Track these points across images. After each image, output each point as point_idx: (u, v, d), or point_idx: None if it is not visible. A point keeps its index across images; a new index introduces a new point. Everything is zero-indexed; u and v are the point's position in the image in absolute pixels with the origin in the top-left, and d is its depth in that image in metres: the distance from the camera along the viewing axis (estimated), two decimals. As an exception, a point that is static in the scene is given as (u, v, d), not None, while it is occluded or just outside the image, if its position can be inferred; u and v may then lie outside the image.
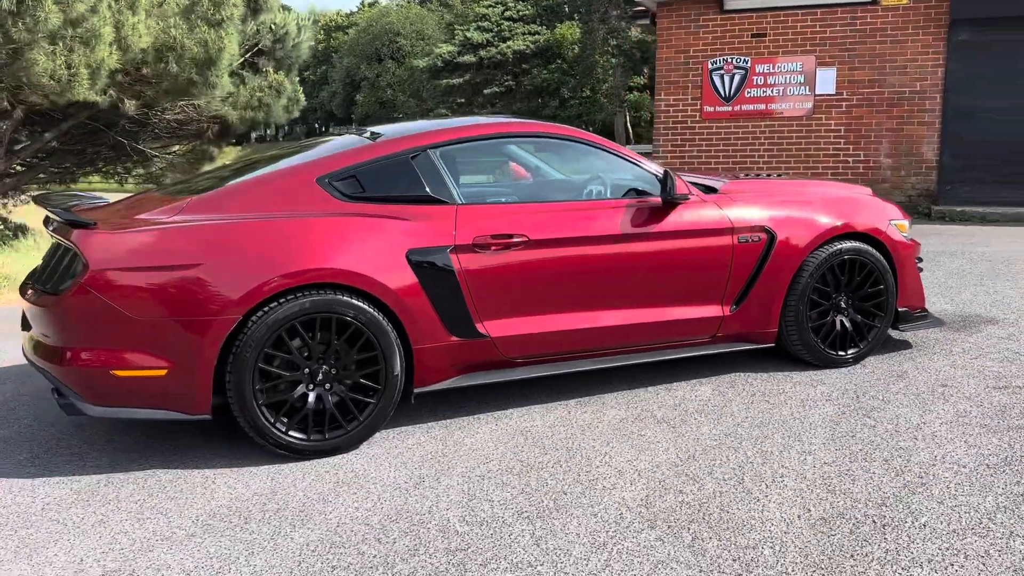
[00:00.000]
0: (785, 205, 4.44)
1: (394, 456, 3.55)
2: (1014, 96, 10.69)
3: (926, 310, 4.96)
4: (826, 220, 4.46)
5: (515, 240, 3.82)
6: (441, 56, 47.75)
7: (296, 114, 16.17)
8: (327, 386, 3.55)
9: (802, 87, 11.52)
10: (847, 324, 4.57)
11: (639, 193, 4.20)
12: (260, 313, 3.39)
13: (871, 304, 4.61)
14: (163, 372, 3.34)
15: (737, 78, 11.72)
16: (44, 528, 3.01)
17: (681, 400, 4.13)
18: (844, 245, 4.48)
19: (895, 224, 4.70)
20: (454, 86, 47.70)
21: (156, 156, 14.57)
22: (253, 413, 3.41)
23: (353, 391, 3.59)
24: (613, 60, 42.81)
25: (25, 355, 3.74)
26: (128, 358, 3.33)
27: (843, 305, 4.56)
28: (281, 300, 3.42)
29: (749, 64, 11.66)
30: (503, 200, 4.02)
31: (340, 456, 3.56)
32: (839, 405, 3.99)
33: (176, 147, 14.31)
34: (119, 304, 3.28)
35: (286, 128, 60.97)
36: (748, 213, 4.32)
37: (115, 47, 9.67)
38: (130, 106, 11.08)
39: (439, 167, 3.87)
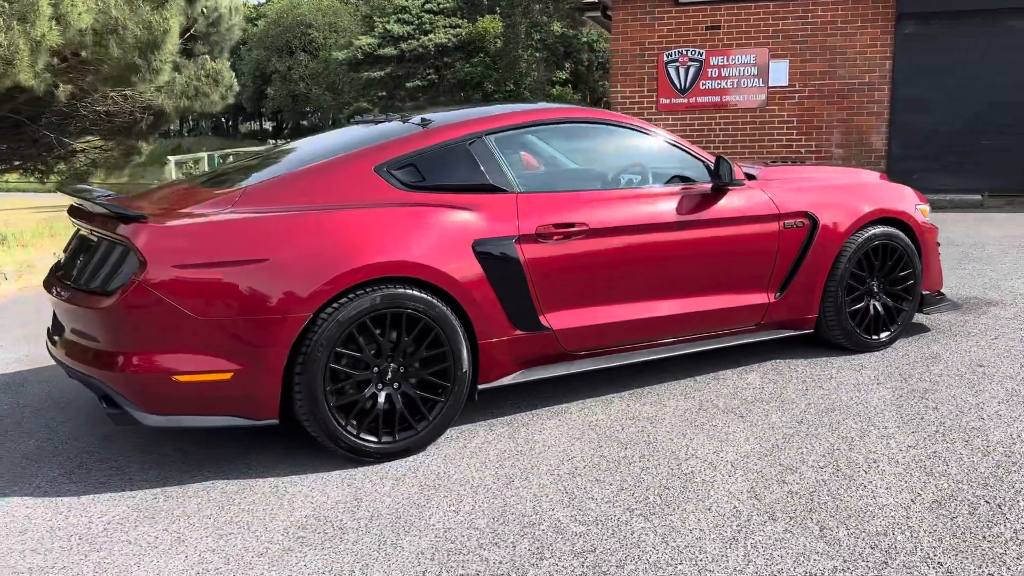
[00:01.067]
0: (824, 191, 4.45)
1: (468, 455, 3.39)
2: (956, 87, 11.12)
3: (943, 293, 5.06)
4: (863, 205, 4.49)
5: (576, 229, 3.70)
6: (361, 48, 46.95)
7: (231, 101, 15.63)
8: (395, 385, 3.36)
9: (756, 79, 11.71)
10: (879, 308, 4.61)
11: (684, 179, 4.13)
12: (330, 310, 3.18)
13: (900, 288, 4.67)
14: (229, 376, 3.10)
15: (692, 70, 11.83)
16: (117, 550, 2.75)
17: (735, 388, 4.09)
18: (878, 230, 4.52)
19: (919, 208, 4.77)
20: (375, 79, 46.95)
21: (82, 150, 13.87)
22: (325, 416, 3.20)
23: (422, 390, 3.41)
24: (537, 55, 42.99)
25: (57, 360, 3.42)
26: (191, 362, 3.08)
27: (875, 289, 4.60)
28: (350, 296, 3.22)
29: (704, 56, 11.78)
30: (557, 188, 3.89)
31: (412, 458, 3.38)
32: (892, 389, 4.01)
33: (100, 141, 13.57)
34: (181, 303, 3.03)
35: (191, 123, 59.09)
36: (792, 198, 4.30)
37: (54, 23, 9.08)
38: (63, 93, 10.45)
39: (496, 154, 3.72)
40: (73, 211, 3.60)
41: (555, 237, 3.65)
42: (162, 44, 10.92)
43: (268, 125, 63.10)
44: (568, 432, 3.60)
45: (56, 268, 3.70)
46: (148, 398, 3.08)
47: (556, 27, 41.41)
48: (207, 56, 14.23)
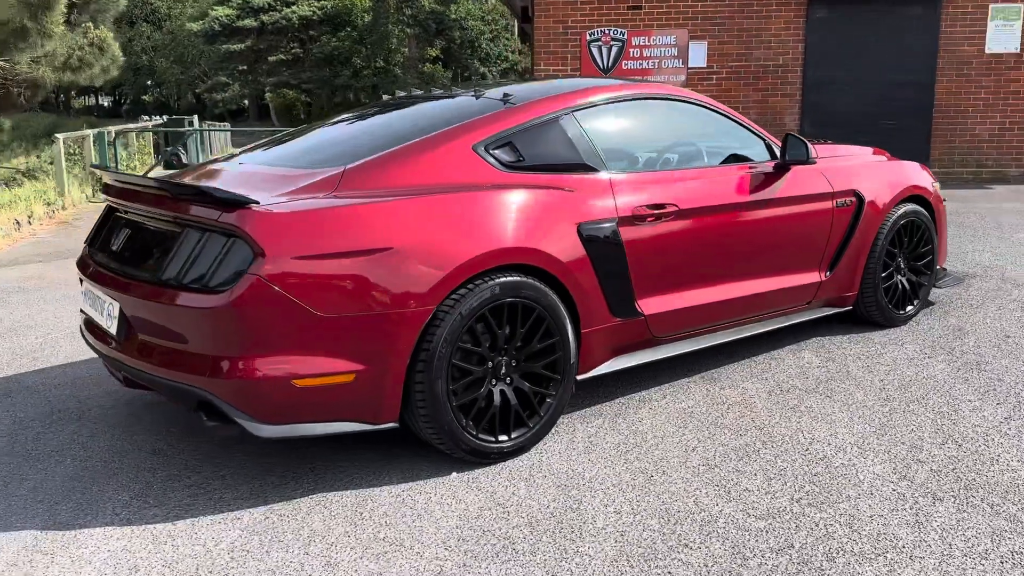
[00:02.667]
0: (866, 168, 4.51)
1: (583, 450, 3.21)
2: (862, 69, 11.69)
3: (946, 268, 5.27)
4: (898, 182, 4.59)
5: (667, 210, 3.57)
6: (218, 19, 44.70)
7: (115, 74, 14.46)
8: (508, 380, 3.14)
9: (676, 60, 11.88)
10: (905, 284, 4.74)
11: (743, 158, 4.08)
12: (451, 301, 2.92)
13: (922, 263, 4.82)
14: (351, 377, 2.79)
15: (615, 50, 11.87)
16: (266, 582, 2.42)
17: (799, 368, 4.09)
18: (908, 207, 4.64)
19: (934, 185, 4.93)
20: (234, 52, 44.80)
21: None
22: (448, 417, 2.94)
23: (532, 384, 3.20)
24: (408, 30, 42.20)
25: (116, 363, 2.97)
26: (312, 364, 2.74)
27: (902, 265, 4.72)
28: (470, 286, 2.96)
29: (626, 36, 11.84)
30: (642, 167, 3.74)
31: (526, 458, 3.17)
32: (946, 362, 4.12)
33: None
34: (302, 299, 2.69)
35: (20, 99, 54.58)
36: (841, 177, 4.34)
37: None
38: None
39: (585, 131, 3.53)
40: (116, 192, 3.15)
41: (648, 219, 3.51)
42: (54, 5, 9.94)
43: (105, 101, 59.08)
44: (667, 420, 3.48)
45: (96, 253, 3.24)
46: (264, 406, 2.73)
47: (426, 2, 40.83)
48: (89, 24, 13.12)
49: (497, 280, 3.00)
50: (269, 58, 44.77)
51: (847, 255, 4.36)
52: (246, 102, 53.51)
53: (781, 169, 4.07)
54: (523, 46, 51.33)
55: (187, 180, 3.11)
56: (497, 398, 3.10)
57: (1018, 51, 11.56)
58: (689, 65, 11.85)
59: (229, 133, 16.56)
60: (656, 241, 3.53)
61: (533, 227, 3.14)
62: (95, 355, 3.61)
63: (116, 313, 2.96)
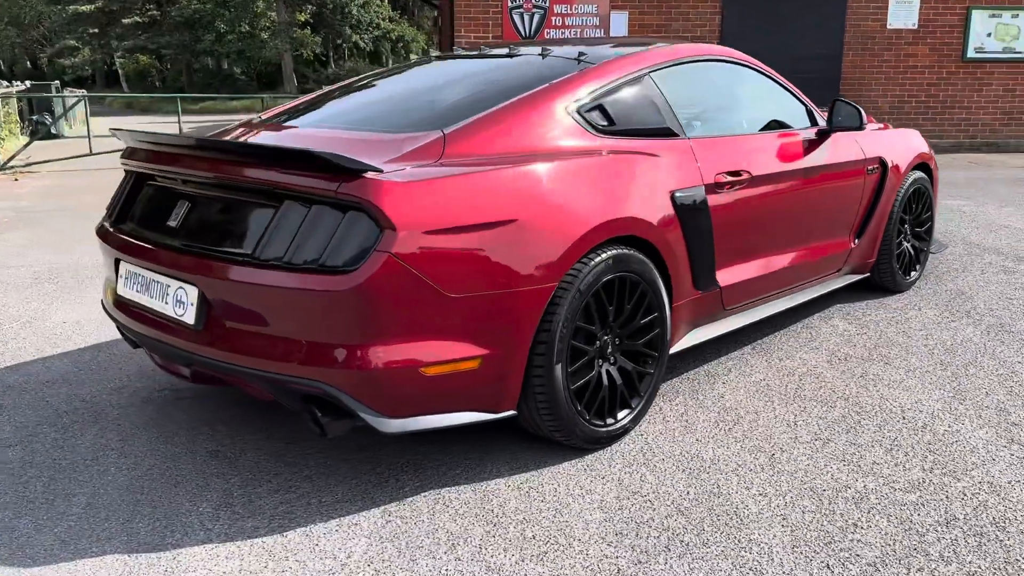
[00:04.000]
0: (886, 136, 4.54)
1: (683, 430, 3.07)
2: (776, 42, 11.99)
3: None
4: (910, 150, 4.66)
5: (742, 178, 3.46)
6: (64, -22, 41.36)
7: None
8: (611, 360, 2.96)
9: (597, 29, 11.81)
10: (910, 250, 4.85)
11: (784, 124, 4.02)
12: (570, 277, 2.70)
13: (923, 230, 4.94)
14: (477, 363, 2.53)
15: (536, 17, 11.67)
16: (432, 596, 2.16)
17: (842, 336, 4.09)
18: (916, 174, 4.72)
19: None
20: (83, 14, 41.60)
21: None
22: (565, 402, 2.73)
23: (632, 362, 3.03)
24: (276, -7, 40.29)
25: (203, 359, 2.58)
26: (439, 349, 2.46)
27: (908, 232, 4.82)
28: (585, 261, 2.75)
29: (548, 4, 11.66)
30: (714, 132, 3.57)
31: (628, 441, 3.00)
32: (972, 326, 4.22)
33: None
34: (432, 278, 2.40)
35: None
36: (869, 144, 4.34)
37: None
38: None
39: (662, 93, 3.35)
40: (164, 158, 2.74)
41: (726, 186, 3.38)
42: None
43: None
44: (748, 395, 3.39)
45: (141, 229, 2.82)
46: (390, 398, 2.43)
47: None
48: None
49: (610, 253, 2.80)
50: (123, 20, 41.86)
51: (872, 222, 4.39)
52: (89, 68, 49.89)
53: (823, 135, 4.03)
54: (394, 13, 50.15)
55: (265, 144, 2.70)
56: (605, 379, 2.90)
57: (915, 27, 12.15)
58: (610, 35, 11.80)
59: (85, 101, 15.19)
60: (733, 209, 3.41)
61: (637, 196, 2.95)
62: (105, 342, 3.17)
63: (192, 298, 2.56)
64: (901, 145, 4.58)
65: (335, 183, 2.34)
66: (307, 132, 2.99)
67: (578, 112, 3.00)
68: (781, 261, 3.79)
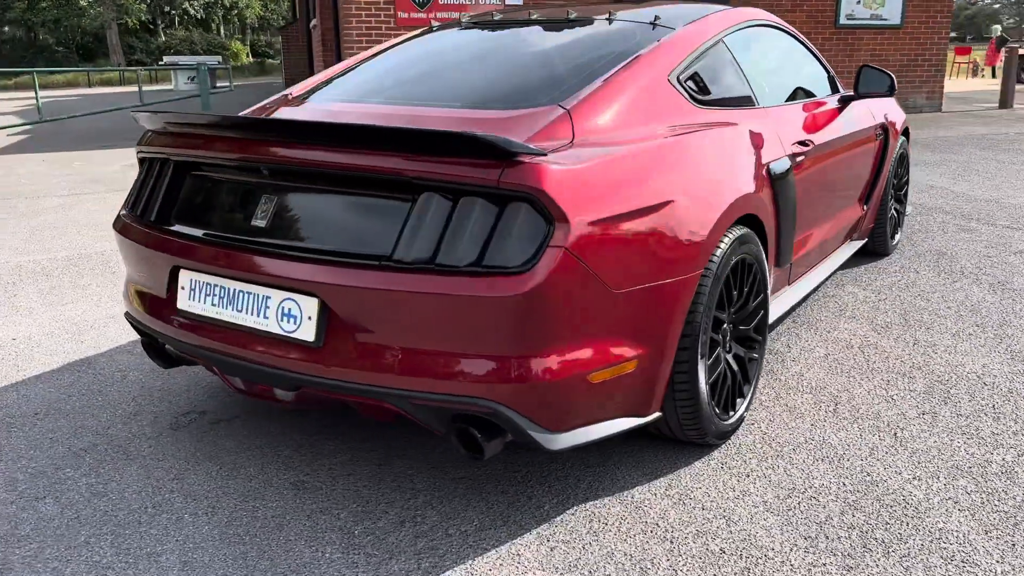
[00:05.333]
0: (883, 103, 4.57)
1: (783, 416, 2.95)
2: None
3: (895, 196, 5.58)
4: (899, 116, 4.72)
5: (808, 148, 3.35)
6: None
7: None
8: (728, 348, 2.78)
9: (491, -6, 11.49)
10: (895, 213, 4.94)
11: (811, 91, 3.95)
12: (711, 263, 2.49)
13: (902, 193, 5.05)
14: (634, 364, 2.28)
15: (429, -19, 11.21)
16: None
17: (866, 303, 4.10)
18: (902, 139, 4.80)
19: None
20: None
21: None
22: (705, 399, 2.54)
23: (743, 348, 2.87)
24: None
25: (320, 381, 2.18)
26: (605, 352, 2.19)
27: (892, 194, 4.91)
28: (722, 244, 2.55)
29: (440, -33, 11.22)
30: (777, 101, 3.41)
31: (744, 433, 2.85)
32: (978, 286, 4.34)
33: None
34: (601, 273, 2.12)
35: None
36: (876, 109, 4.35)
37: None
38: None
39: (736, 60, 3.17)
40: (235, 144, 2.29)
41: (798, 156, 3.26)
42: None
43: None
44: (823, 372, 3.31)
45: (209, 231, 2.36)
46: (559, 411, 2.14)
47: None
48: None
49: (736, 233, 2.61)
50: (-84, -14, 37.30)
51: (876, 187, 4.42)
52: None
53: (846, 102, 3.99)
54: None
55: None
56: (726, 369, 2.72)
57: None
58: (507, 1, 11.52)
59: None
60: (803, 181, 3.29)
61: (748, 171, 2.77)
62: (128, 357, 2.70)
63: (309, 311, 2.15)
64: (894, 110, 4.63)
65: (496, 171, 2.01)
66: (390, 111, 2.59)
67: (679, 81, 2.77)
68: (824, 231, 3.73)
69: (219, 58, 29.78)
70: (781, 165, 3.01)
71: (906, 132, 4.93)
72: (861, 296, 4.21)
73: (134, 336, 3.80)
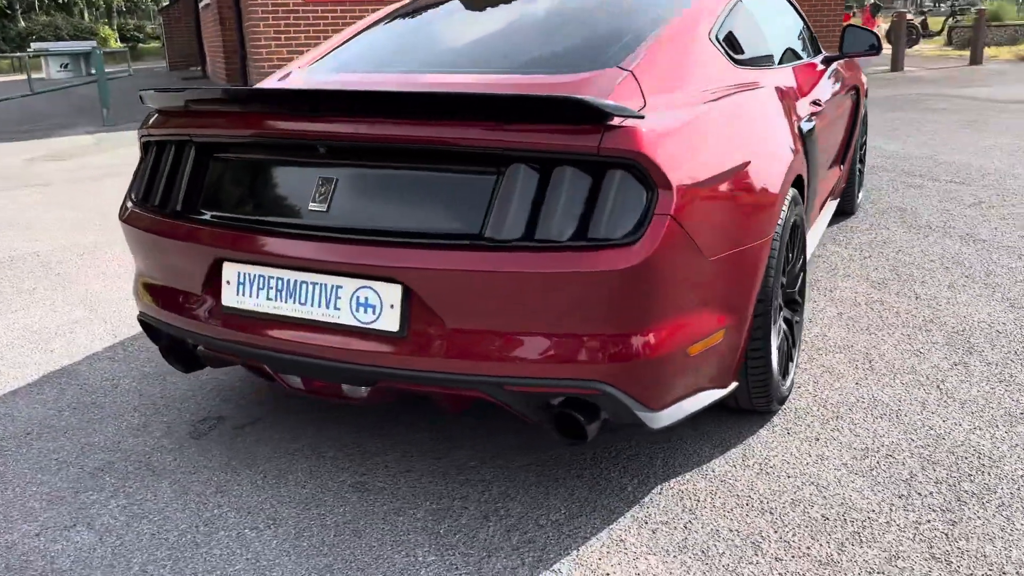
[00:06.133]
0: (852, 63, 4.63)
1: (835, 376, 2.94)
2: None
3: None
4: (863, 75, 4.80)
5: (817, 108, 3.34)
6: None
7: None
8: (779, 311, 2.75)
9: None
10: (859, 172, 5.05)
11: (798, 52, 3.95)
12: (779, 226, 2.44)
13: (863, 152, 5.16)
14: (721, 335, 2.21)
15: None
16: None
17: (859, 263, 4.16)
18: (865, 99, 4.89)
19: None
20: None
21: None
22: (773, 365, 2.50)
23: (790, 311, 2.85)
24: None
25: (400, 374, 2.02)
26: (700, 323, 2.11)
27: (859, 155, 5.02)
28: (785, 205, 2.51)
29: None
30: (782, 61, 3.37)
31: (794, 397, 2.83)
32: (950, 239, 4.48)
33: None
34: (699, 240, 2.03)
35: None
36: (851, 70, 4.41)
37: None
38: None
39: (754, 18, 3.12)
40: (246, 121, 2.08)
41: (812, 116, 3.24)
42: None
43: None
44: (844, 329, 3.33)
45: (272, 223, 2.13)
46: (661, 389, 2.04)
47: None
48: None
49: (791, 194, 2.57)
50: None
51: (851, 147, 4.49)
52: None
53: (828, 62, 4.01)
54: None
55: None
56: (781, 334, 2.69)
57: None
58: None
59: None
60: (817, 140, 3.29)
61: (793, 131, 2.72)
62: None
63: (391, 299, 1.98)
64: (859, 71, 4.70)
65: (594, 136, 1.88)
66: (434, 79, 2.41)
67: (717, 40, 2.69)
68: (823, 191, 3.76)
69: (93, 43, 28.05)
70: (807, 124, 2.99)
71: (865, 93, 5.02)
72: (846, 255, 4.27)
73: (110, 341, 3.49)
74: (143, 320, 2.49)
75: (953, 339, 3.19)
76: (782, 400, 2.64)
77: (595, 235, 1.89)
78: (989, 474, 2.31)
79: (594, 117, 1.87)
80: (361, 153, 2.07)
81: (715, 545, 2.06)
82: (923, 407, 2.69)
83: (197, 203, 2.30)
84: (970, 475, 2.31)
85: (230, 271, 2.17)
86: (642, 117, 1.94)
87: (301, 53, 10.65)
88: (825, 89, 3.60)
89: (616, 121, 1.89)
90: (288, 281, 2.08)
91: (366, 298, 2.00)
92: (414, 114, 1.98)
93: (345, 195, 2.06)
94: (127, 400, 2.95)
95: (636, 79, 2.25)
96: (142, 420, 2.80)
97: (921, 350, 3.10)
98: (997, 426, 2.56)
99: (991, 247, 4.27)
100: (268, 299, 2.11)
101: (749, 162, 2.23)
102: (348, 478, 2.40)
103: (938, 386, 2.83)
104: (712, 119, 2.20)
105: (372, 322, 2.00)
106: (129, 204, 2.47)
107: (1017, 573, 1.93)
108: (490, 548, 2.07)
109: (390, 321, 1.98)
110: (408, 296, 1.97)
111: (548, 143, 1.90)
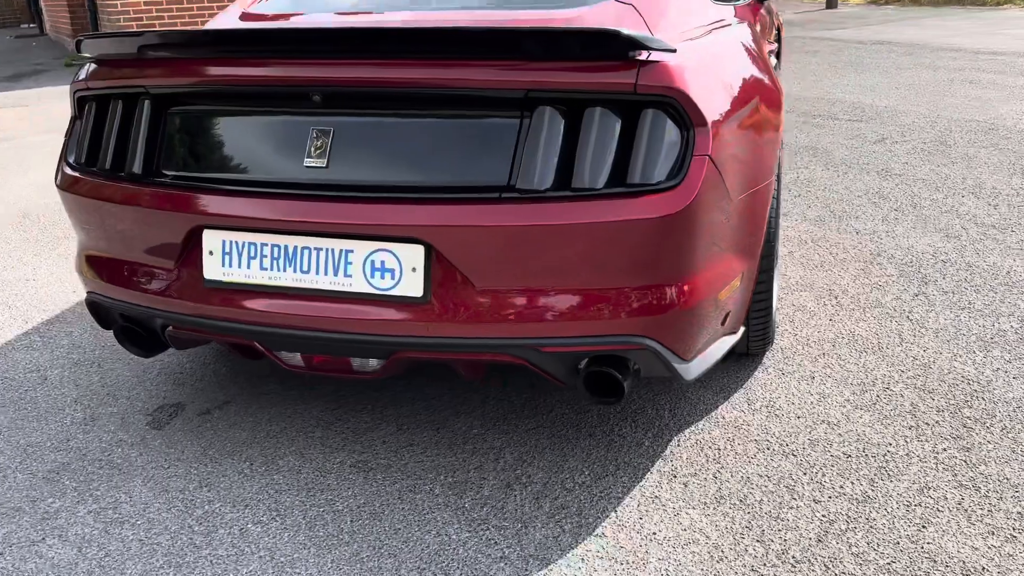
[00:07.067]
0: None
1: (815, 317, 2.98)
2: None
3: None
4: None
5: (774, 46, 3.32)
6: None
7: None
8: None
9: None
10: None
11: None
12: (777, 165, 2.40)
13: (775, 93, 5.25)
14: (740, 279, 2.15)
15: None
16: None
17: (790, 203, 4.24)
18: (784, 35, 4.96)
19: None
20: None
21: None
22: (774, 308, 2.48)
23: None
24: None
25: (420, 343, 1.85)
26: (726, 267, 2.03)
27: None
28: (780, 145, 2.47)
29: None
30: None
31: (780, 337, 2.84)
32: (869, 175, 4.62)
33: None
34: (727, 180, 1.95)
35: None
36: (776, 9, 4.43)
37: None
38: None
39: None
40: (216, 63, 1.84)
41: (770, 53, 3.22)
42: None
43: None
44: (799, 267, 3.37)
45: (258, 183, 1.89)
46: (693, 339, 1.96)
47: None
48: None
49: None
50: None
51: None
52: None
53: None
54: None
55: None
56: (765, 274, 2.67)
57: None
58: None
59: None
60: (778, 74, 3.27)
61: (771, 69, 2.67)
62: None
63: (414, 261, 1.80)
64: (776, 9, 4.74)
65: (630, 73, 1.75)
66: (413, 17, 2.19)
67: (692, -26, 2.59)
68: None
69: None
70: (772, 60, 2.95)
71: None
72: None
73: (21, 328, 3.11)
74: (94, 301, 2.19)
75: (905, 271, 3.28)
76: (772, 341, 2.62)
77: (633, 180, 1.77)
78: (983, 399, 2.37)
79: (629, 51, 1.73)
80: (364, 100, 1.85)
81: (751, 493, 2.02)
82: (901, 339, 2.74)
83: (160, 164, 2.02)
84: (967, 402, 2.36)
85: (213, 240, 1.92)
86: (675, 51, 1.82)
87: (162, 3, 9.88)
88: (768, 25, 3.58)
89: (652, 56, 1.76)
90: (286, 248, 1.86)
91: (382, 262, 1.81)
92: (425, 53, 1.79)
93: (347, 148, 1.85)
94: (63, 393, 2.63)
95: (639, 13, 2.12)
96: (87, 414, 2.50)
97: (879, 283, 3.17)
98: (974, 352, 2.63)
99: (908, 180, 4.43)
100: (262, 269, 1.89)
101: (757, 96, 2.16)
102: (346, 458, 2.22)
103: (907, 317, 2.89)
104: (723, 53, 2.11)
105: (391, 288, 1.81)
106: (68, 169, 2.15)
107: (1041, 492, 1.98)
108: (523, 519, 1.96)
109: (412, 286, 1.80)
110: (431, 257, 1.79)
111: (578, 82, 1.76)
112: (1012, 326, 2.79)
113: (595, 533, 1.90)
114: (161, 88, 1.99)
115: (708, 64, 1.95)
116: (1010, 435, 2.20)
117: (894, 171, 4.62)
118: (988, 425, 2.25)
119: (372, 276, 1.82)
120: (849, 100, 6.61)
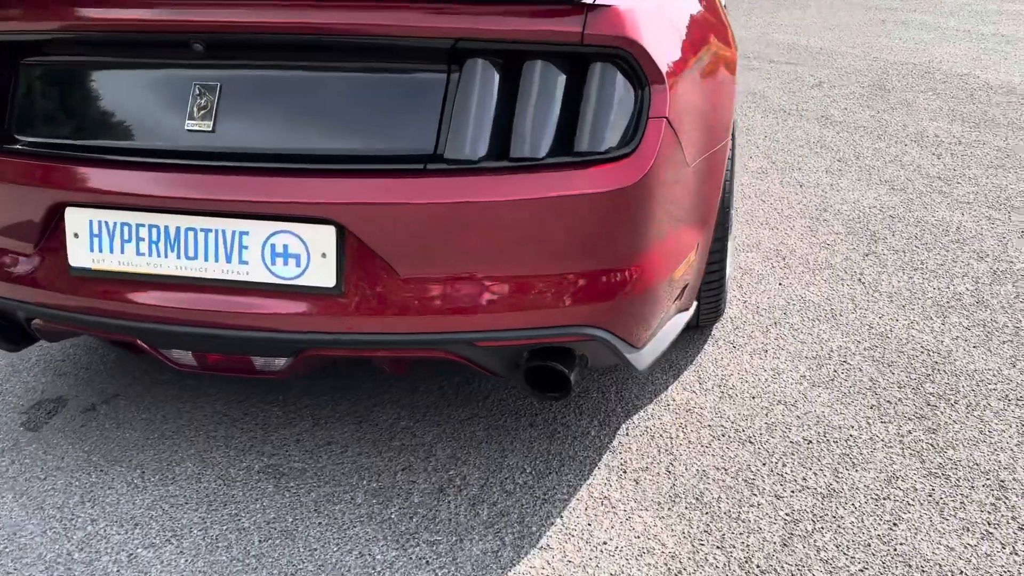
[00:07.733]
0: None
1: (763, 281, 2.80)
2: None
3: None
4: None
5: (712, -15, 3.06)
6: None
7: None
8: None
9: None
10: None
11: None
12: (732, 127, 2.17)
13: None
14: (695, 253, 1.93)
15: None
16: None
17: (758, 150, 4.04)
18: None
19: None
20: None
21: None
22: (726, 281, 2.29)
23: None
24: None
25: (337, 339, 1.58)
26: (680, 243, 1.80)
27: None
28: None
29: None
30: None
31: (727, 304, 2.65)
32: (809, 122, 4.46)
33: None
34: (685, 147, 1.71)
35: None
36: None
37: None
38: None
39: None
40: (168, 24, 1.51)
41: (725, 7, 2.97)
42: None
43: None
44: (743, 225, 3.19)
45: (129, 151, 1.57)
46: (644, 324, 1.73)
47: None
48: None
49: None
50: None
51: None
52: None
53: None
54: None
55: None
56: (714, 239, 2.47)
57: None
58: None
59: None
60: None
61: (725, 17, 2.43)
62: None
63: (323, 246, 1.51)
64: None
65: (576, 19, 1.48)
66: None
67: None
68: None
69: None
70: (724, 11, 2.70)
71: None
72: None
73: None
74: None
75: (853, 227, 3.13)
76: (722, 312, 2.43)
77: (580, 147, 1.51)
78: (944, 372, 2.23)
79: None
80: (257, 49, 1.54)
81: (708, 489, 1.84)
82: (854, 304, 2.58)
83: (11, 128, 1.67)
84: (928, 375, 2.22)
85: (77, 219, 1.59)
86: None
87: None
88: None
89: (601, 0, 1.49)
90: (167, 229, 1.55)
91: (285, 246, 1.52)
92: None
93: (237, 108, 1.54)
94: (-77, 387, 2.27)
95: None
96: (-47, 412, 2.16)
97: (828, 242, 3.01)
98: (931, 318, 2.50)
99: (849, 128, 4.28)
100: (139, 255, 1.58)
101: (713, 50, 1.91)
102: (254, 462, 1.95)
103: (859, 280, 2.74)
104: (675, 3, 1.84)
105: (296, 277, 1.53)
106: None
107: (1013, 479, 1.85)
108: (458, 530, 1.73)
109: (322, 274, 1.52)
110: (344, 240, 1.51)
111: (516, 29, 1.48)
112: (967, 288, 2.66)
113: (539, 545, 1.69)
114: (10, 34, 1.63)
115: (662, 7, 1.69)
116: (975, 413, 2.06)
117: (834, 118, 4.46)
118: (953, 402, 2.11)
119: (273, 263, 1.53)
120: (784, 41, 6.43)
